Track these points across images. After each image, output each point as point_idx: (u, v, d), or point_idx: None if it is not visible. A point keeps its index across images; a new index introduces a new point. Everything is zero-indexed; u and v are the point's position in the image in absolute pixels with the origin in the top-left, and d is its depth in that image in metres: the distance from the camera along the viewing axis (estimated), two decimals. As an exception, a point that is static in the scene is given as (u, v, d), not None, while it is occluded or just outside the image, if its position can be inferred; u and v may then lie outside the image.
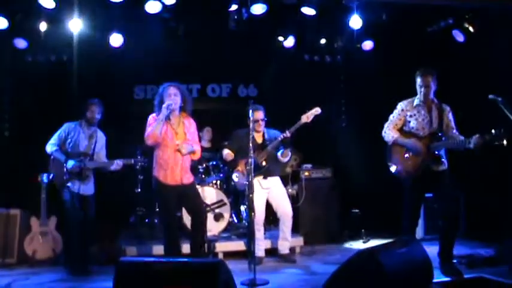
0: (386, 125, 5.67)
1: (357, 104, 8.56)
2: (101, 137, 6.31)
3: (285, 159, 6.40)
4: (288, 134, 6.12)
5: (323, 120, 6.18)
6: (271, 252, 6.66)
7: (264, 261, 6.34)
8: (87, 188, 6.14)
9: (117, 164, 6.03)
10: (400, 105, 5.65)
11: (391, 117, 5.68)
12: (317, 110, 6.09)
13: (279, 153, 6.31)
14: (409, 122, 5.55)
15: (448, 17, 7.11)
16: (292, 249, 6.68)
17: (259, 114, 6.34)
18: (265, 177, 6.37)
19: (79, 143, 6.07)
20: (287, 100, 7.35)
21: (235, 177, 6.46)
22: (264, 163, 6.32)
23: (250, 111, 5.81)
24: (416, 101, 5.56)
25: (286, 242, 6.49)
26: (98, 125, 6.30)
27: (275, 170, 6.51)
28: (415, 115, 5.53)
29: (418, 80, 5.51)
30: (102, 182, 6.29)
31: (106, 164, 6.11)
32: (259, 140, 6.45)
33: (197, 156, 5.76)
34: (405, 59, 7.50)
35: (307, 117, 6.06)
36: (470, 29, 6.86)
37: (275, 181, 6.48)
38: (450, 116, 5.55)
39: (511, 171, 6.59)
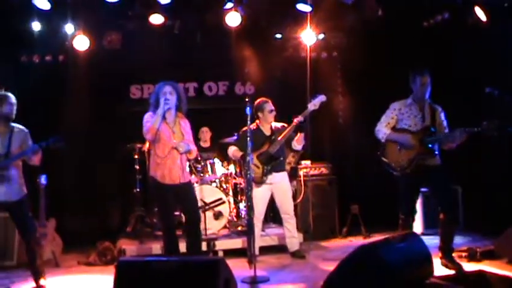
0: (378, 123, 5.67)
1: (354, 100, 8.55)
2: (17, 132, 5.23)
3: (299, 146, 6.32)
4: (300, 118, 6.06)
5: (321, 116, 6.16)
6: (276, 249, 6.68)
7: (257, 259, 6.20)
8: (9, 193, 5.11)
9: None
10: (393, 105, 5.66)
11: (383, 116, 5.68)
12: (323, 97, 6.12)
13: (293, 141, 6.25)
14: (402, 120, 5.56)
15: (444, 11, 7.10)
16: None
17: (271, 105, 6.37)
18: (275, 171, 6.29)
19: None
20: (284, 97, 7.33)
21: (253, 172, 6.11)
22: (276, 154, 6.24)
23: (266, 103, 6.20)
24: (409, 101, 5.59)
25: (294, 239, 6.47)
26: (16, 120, 5.32)
27: (283, 164, 6.45)
28: (407, 113, 5.55)
29: (417, 80, 5.50)
30: (101, 183, 6.24)
31: (8, 162, 5.08)
32: (268, 133, 6.40)
33: (193, 155, 5.77)
34: (401, 54, 7.50)
35: (314, 105, 6.07)
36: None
37: (282, 176, 6.41)
38: (442, 116, 5.57)
39: (508, 163, 6.60)
